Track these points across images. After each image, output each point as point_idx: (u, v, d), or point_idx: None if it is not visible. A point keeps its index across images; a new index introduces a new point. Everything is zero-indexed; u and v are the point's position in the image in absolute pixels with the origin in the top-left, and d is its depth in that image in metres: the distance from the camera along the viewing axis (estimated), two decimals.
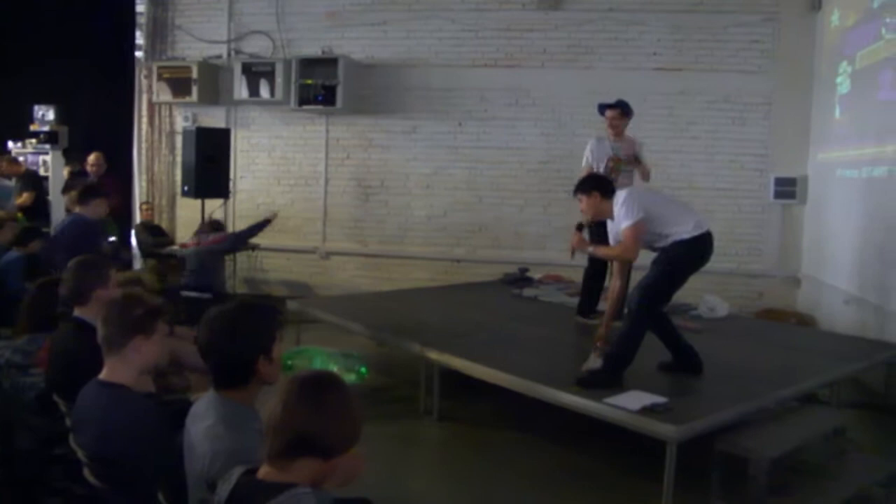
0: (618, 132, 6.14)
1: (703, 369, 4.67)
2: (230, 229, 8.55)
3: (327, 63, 8.81)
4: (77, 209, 5.81)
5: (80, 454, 2.46)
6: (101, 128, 9.30)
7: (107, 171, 8.50)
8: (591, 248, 4.97)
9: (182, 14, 9.72)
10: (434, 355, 5.10)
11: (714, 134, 8.42)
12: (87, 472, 2.41)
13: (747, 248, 8.39)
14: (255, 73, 9.11)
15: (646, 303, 4.39)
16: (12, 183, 8.17)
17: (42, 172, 8.77)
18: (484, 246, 9.00)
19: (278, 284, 9.40)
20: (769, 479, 3.61)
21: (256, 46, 9.43)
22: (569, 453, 4.73)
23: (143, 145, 10.01)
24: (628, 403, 3.95)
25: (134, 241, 9.20)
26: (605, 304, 6.18)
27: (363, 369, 5.36)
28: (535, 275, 7.98)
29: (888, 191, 6.01)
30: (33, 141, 8.80)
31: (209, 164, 7.97)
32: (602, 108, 6.24)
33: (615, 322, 4.81)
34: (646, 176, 6.13)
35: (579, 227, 4.83)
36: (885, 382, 5.65)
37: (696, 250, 4.47)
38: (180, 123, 9.67)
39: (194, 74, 9.22)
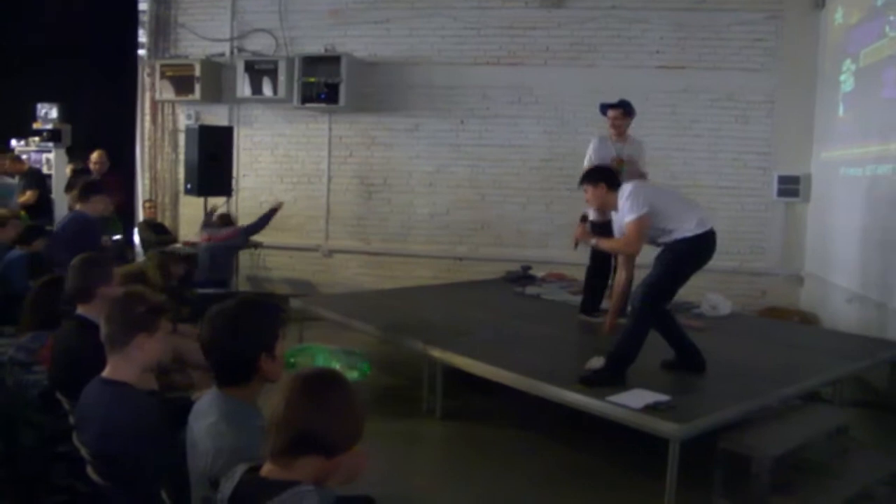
0: (620, 132, 6.13)
1: (706, 367, 4.66)
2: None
3: (330, 61, 8.80)
4: (77, 206, 5.81)
5: (83, 452, 2.47)
6: (104, 126, 9.30)
7: (110, 169, 8.51)
8: (594, 241, 4.98)
9: (185, 12, 9.73)
10: (437, 353, 5.10)
11: (717, 132, 8.41)
12: (90, 470, 2.41)
13: (750, 247, 8.38)
14: (258, 70, 9.12)
15: (649, 301, 4.39)
16: (15, 181, 8.17)
17: (45, 170, 8.76)
18: (486, 244, 9.00)
19: (281, 282, 9.41)
20: (772, 478, 3.61)
21: (259, 44, 9.43)
22: (571, 451, 4.73)
23: (146, 143, 10.03)
24: (631, 401, 3.95)
25: (137, 238, 9.21)
26: (608, 303, 6.24)
27: (366, 367, 5.36)
28: (538, 273, 7.98)
29: (892, 189, 6.00)
30: (36, 139, 8.80)
31: (212, 162, 7.98)
32: (604, 107, 6.23)
33: (619, 319, 4.81)
34: (639, 177, 6.11)
35: (584, 219, 4.84)
36: (889, 381, 5.64)
37: (699, 248, 4.47)
38: (183, 121, 9.69)
39: (197, 72, 9.23)
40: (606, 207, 4.76)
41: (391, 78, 9.08)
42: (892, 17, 6.06)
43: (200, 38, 9.61)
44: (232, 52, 9.51)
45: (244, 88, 9.17)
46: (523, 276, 7.85)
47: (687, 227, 4.42)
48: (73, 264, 3.43)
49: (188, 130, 8.58)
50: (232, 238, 7.47)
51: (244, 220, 8.77)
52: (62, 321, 3.43)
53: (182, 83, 9.30)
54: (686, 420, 3.77)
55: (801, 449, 3.96)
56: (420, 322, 5.88)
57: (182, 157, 9.24)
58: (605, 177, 4.74)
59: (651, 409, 3.87)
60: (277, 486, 1.74)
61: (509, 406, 5.22)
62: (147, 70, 9.80)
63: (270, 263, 9.43)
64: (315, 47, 9.03)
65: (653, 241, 4.58)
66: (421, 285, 8.27)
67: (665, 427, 3.73)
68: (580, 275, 6.63)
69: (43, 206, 8.15)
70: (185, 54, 9.59)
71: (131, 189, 9.81)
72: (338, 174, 9.39)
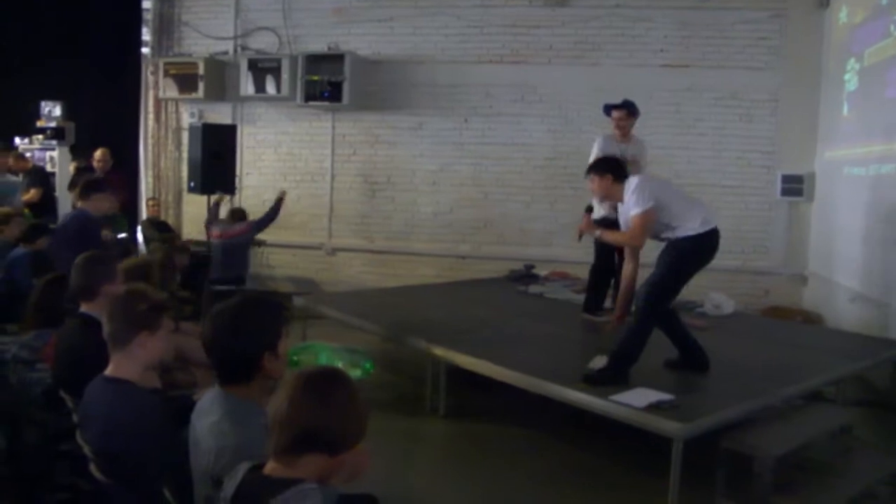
0: (624, 133, 6.11)
1: (710, 367, 4.66)
2: None
3: (333, 59, 8.80)
4: (79, 204, 5.81)
5: (86, 449, 2.47)
6: (108, 124, 9.30)
7: (113, 168, 8.52)
8: (598, 232, 4.96)
9: (188, 10, 9.74)
10: (440, 352, 5.10)
11: (721, 131, 8.39)
12: (92, 468, 2.41)
13: (754, 246, 8.37)
14: (262, 69, 9.12)
15: (652, 300, 4.39)
16: (19, 179, 8.18)
17: (49, 168, 8.77)
18: (490, 242, 8.99)
19: (284, 280, 9.41)
20: (775, 477, 3.60)
21: (263, 42, 9.44)
22: (574, 450, 4.73)
23: (150, 141, 10.03)
24: (634, 400, 3.95)
25: (140, 237, 9.22)
26: (611, 302, 6.24)
27: (368, 365, 5.36)
28: (541, 271, 7.98)
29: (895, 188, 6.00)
30: (40, 137, 8.80)
31: (215, 161, 7.97)
32: (608, 108, 6.20)
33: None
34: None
35: (589, 210, 4.83)
36: (892, 380, 5.64)
37: (702, 247, 4.46)
38: (186, 120, 9.69)
39: (200, 71, 9.22)
40: (610, 199, 4.73)
41: (395, 76, 9.08)
42: None
43: (204, 37, 9.62)
44: (235, 51, 9.51)
45: (248, 86, 9.17)
46: (526, 275, 7.84)
47: (691, 225, 4.41)
48: (77, 262, 3.43)
49: (191, 128, 8.58)
50: (245, 233, 7.45)
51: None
52: (66, 319, 3.43)
53: (185, 81, 9.31)
54: (689, 419, 3.76)
55: (804, 448, 3.96)
56: (423, 320, 5.89)
57: (185, 155, 9.23)
58: (612, 168, 4.70)
59: (654, 408, 3.86)
60: (281, 484, 1.74)
61: (512, 405, 5.22)
62: (150, 68, 9.81)
63: (274, 261, 9.44)
64: (318, 45, 9.02)
65: (655, 236, 4.58)
66: (424, 284, 8.27)
67: (668, 426, 3.73)
68: (583, 273, 6.62)
69: (46, 204, 8.16)
70: (188, 52, 9.60)
71: (135, 187, 9.82)
72: (341, 172, 9.40)
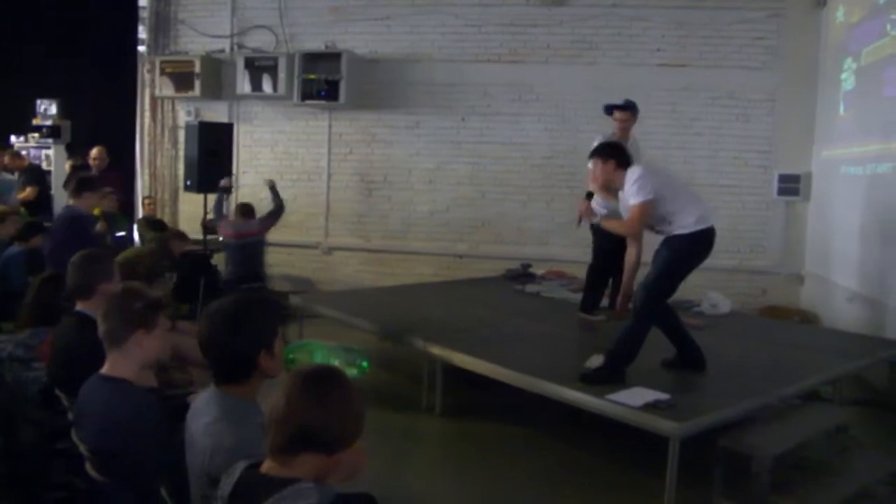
0: (625, 133, 6.10)
1: (706, 366, 4.66)
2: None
3: (330, 58, 8.79)
4: (70, 202, 5.80)
5: (82, 448, 2.46)
6: (104, 122, 9.30)
7: (109, 166, 8.51)
8: (597, 218, 4.93)
9: (185, 8, 9.71)
10: (436, 351, 5.10)
11: (718, 130, 8.40)
12: (89, 466, 2.41)
13: (750, 245, 8.37)
14: (258, 67, 9.10)
15: (649, 300, 4.39)
16: (15, 177, 8.17)
17: (45, 167, 8.77)
18: (487, 241, 8.99)
19: (281, 279, 9.38)
20: (772, 476, 3.61)
21: (259, 41, 9.42)
22: (571, 449, 4.73)
23: (146, 140, 10.01)
24: (631, 400, 3.95)
25: (136, 235, 9.20)
26: (608, 302, 6.24)
27: (365, 364, 5.36)
28: (538, 271, 7.98)
29: (892, 188, 6.00)
30: (36, 135, 8.79)
31: (211, 159, 7.95)
32: (609, 108, 6.17)
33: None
34: None
35: (589, 196, 4.81)
36: (888, 380, 5.65)
37: (696, 246, 4.45)
38: (183, 118, 9.67)
39: (197, 69, 9.21)
40: (610, 184, 4.65)
41: (391, 75, 9.07)
42: (893, 16, 6.06)
43: (200, 35, 9.60)
44: (232, 49, 9.49)
45: (244, 85, 9.15)
46: (523, 274, 7.85)
47: (687, 222, 4.39)
48: (73, 261, 3.42)
49: (188, 127, 8.55)
50: (263, 232, 7.38)
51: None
52: (62, 318, 3.42)
53: (182, 80, 9.29)
54: (686, 418, 3.77)
55: (801, 448, 3.96)
56: (420, 319, 5.88)
57: (182, 153, 9.23)
58: (615, 154, 4.65)
59: (651, 407, 3.87)
60: (277, 483, 1.73)
61: (509, 404, 5.21)
62: (147, 66, 9.78)
63: (270, 260, 9.35)
64: (315, 44, 9.02)
65: (650, 228, 4.57)
66: (421, 283, 8.27)
67: (665, 425, 3.73)
68: (580, 272, 6.62)
69: (42, 202, 8.16)
70: (184, 51, 9.58)
71: (131, 185, 9.80)
72: (338, 171, 9.39)
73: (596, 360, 4.44)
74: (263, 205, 7.86)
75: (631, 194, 4.44)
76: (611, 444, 4.61)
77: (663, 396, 3.96)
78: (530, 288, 7.33)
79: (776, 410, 4.34)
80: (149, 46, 9.79)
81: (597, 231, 5.95)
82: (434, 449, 5.00)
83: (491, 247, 8.92)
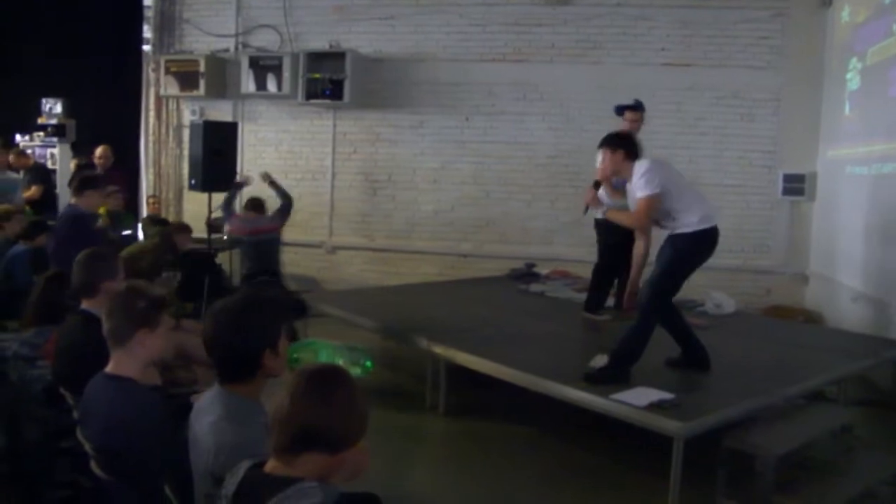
0: (635, 133, 6.08)
1: (711, 366, 4.65)
2: None
3: (335, 57, 8.80)
4: (72, 200, 5.81)
5: (87, 446, 2.47)
6: (109, 121, 9.31)
7: (114, 165, 8.51)
8: (603, 208, 4.91)
9: (190, 8, 9.73)
10: (440, 350, 5.10)
11: (722, 130, 8.39)
12: (93, 465, 2.41)
13: (755, 245, 8.36)
14: (263, 66, 9.12)
15: (654, 300, 4.38)
16: (20, 176, 8.18)
17: (50, 165, 8.78)
18: (491, 241, 8.99)
19: (285, 278, 9.38)
20: (776, 476, 3.60)
21: (264, 40, 9.43)
22: (575, 449, 4.73)
23: (151, 139, 10.03)
24: (635, 399, 3.95)
25: (141, 234, 9.21)
26: (613, 302, 6.24)
27: (369, 363, 5.35)
28: (542, 270, 7.98)
29: None
30: (41, 134, 8.81)
31: (216, 158, 7.95)
32: (620, 109, 6.16)
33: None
34: None
35: (596, 185, 4.79)
36: (893, 380, 5.63)
37: (700, 245, 4.45)
38: (187, 117, 9.68)
39: (202, 68, 9.23)
40: (618, 175, 4.63)
41: (396, 74, 9.07)
42: None
43: (205, 34, 9.62)
44: (236, 48, 9.51)
45: (249, 84, 9.17)
46: (527, 274, 7.85)
47: (691, 220, 4.38)
48: (78, 259, 3.43)
49: (192, 126, 8.55)
50: (278, 229, 7.33)
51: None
52: (66, 316, 3.43)
53: (187, 79, 9.31)
54: (690, 418, 3.76)
55: (806, 448, 3.95)
56: (424, 319, 5.89)
57: (186, 152, 9.22)
58: (625, 145, 4.61)
59: (655, 407, 3.86)
60: (281, 482, 1.73)
61: (513, 403, 5.21)
62: (152, 65, 9.80)
63: None
64: (320, 43, 9.03)
65: (656, 222, 4.57)
66: (425, 282, 8.27)
67: (669, 425, 3.72)
68: (584, 272, 6.62)
69: (47, 201, 8.17)
70: (189, 50, 9.60)
71: (135, 184, 9.82)
72: (342, 170, 9.39)
73: (600, 360, 4.44)
74: (270, 203, 7.86)
75: (639, 187, 4.42)
76: (614, 444, 4.61)
77: (667, 396, 3.96)
78: (534, 287, 7.33)
79: (780, 410, 4.33)
80: (154, 46, 9.81)
81: (600, 226, 5.95)
82: (437, 448, 5.00)
83: (495, 246, 8.92)
